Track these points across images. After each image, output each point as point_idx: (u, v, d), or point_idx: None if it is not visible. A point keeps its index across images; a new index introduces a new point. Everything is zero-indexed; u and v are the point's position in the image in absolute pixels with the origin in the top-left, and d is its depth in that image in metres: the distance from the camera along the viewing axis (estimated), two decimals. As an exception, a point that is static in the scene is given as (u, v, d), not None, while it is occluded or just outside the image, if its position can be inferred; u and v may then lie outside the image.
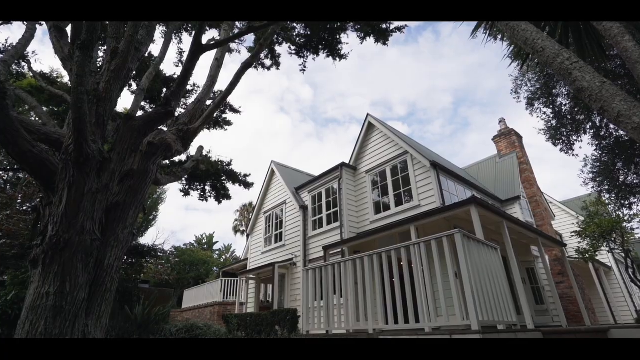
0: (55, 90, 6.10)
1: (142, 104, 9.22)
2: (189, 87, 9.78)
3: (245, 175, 10.85)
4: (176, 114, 6.55)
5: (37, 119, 6.35)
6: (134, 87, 8.89)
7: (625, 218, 8.59)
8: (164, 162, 8.95)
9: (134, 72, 8.11)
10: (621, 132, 6.94)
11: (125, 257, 9.96)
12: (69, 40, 4.64)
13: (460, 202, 6.33)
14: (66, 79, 9.73)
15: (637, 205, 7.42)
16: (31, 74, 7.18)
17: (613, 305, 12.22)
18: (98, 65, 5.56)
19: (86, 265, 2.92)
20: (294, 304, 10.79)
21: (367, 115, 11.11)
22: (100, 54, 6.75)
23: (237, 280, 14.68)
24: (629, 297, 13.31)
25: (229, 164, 10.68)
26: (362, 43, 7.27)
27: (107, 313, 3.16)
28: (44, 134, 3.64)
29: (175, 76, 9.17)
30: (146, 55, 8.39)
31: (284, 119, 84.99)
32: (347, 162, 11.22)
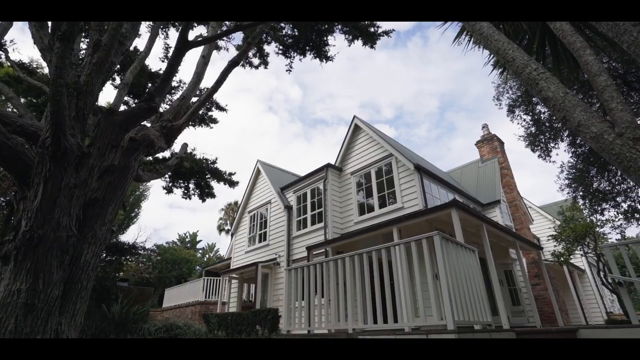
0: (34, 81, 5.93)
1: (126, 99, 9.05)
2: (174, 84, 9.65)
3: (230, 174, 10.78)
4: (160, 110, 6.48)
5: (13, 110, 6.15)
6: (118, 81, 8.72)
7: (598, 223, 8.93)
8: (147, 158, 8.81)
9: (118, 66, 7.95)
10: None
11: (104, 255, 9.74)
12: (49, 31, 4.53)
13: (442, 205, 6.46)
14: (46, 70, 9.45)
15: (609, 211, 7.74)
16: (9, 64, 6.95)
17: (585, 307, 12.68)
18: (80, 57, 5.44)
19: (61, 262, 2.86)
20: (276, 303, 10.77)
21: (354, 117, 11.19)
22: (83, 45, 6.60)
23: (219, 280, 14.54)
24: (600, 299, 13.83)
25: (214, 162, 10.59)
26: (349, 45, 7.35)
27: (82, 311, 3.10)
28: (20, 126, 3.54)
29: (161, 72, 9.04)
30: (131, 49, 8.24)
31: (272, 118, 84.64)
32: (333, 163, 11.28)
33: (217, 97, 10.77)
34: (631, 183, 6.93)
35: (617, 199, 7.27)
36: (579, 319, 12.13)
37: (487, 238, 6.72)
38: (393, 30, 7.40)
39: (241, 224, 14.46)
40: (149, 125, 5.21)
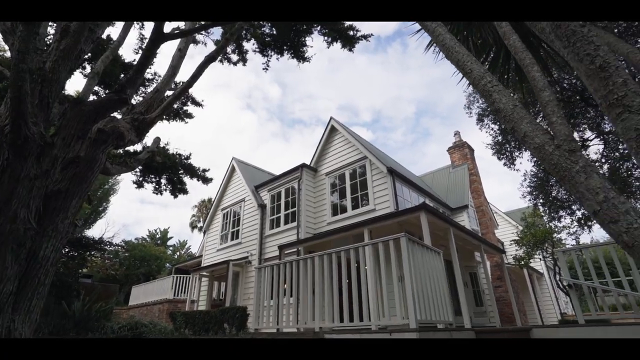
0: (-6, 65, 5.62)
1: (96, 89, 8.71)
2: (149, 76, 9.39)
3: (204, 170, 10.62)
4: (133, 102, 6.32)
5: (-30, 94, 5.79)
6: (88, 70, 8.39)
7: (556, 229, 9.48)
8: (117, 151, 8.52)
9: (89, 54, 7.64)
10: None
11: (67, 250, 9.32)
12: (13, 13, 4.31)
13: (411, 208, 6.65)
14: (9, 53, 8.92)
15: (565, 219, 8.24)
16: (-34, 45, 6.55)
17: (542, 308, 13.41)
18: (47, 42, 5.21)
19: (17, 256, 2.75)
20: (247, 302, 10.69)
21: (331, 118, 11.29)
22: (50, 30, 6.31)
23: (189, 278, 14.26)
24: (556, 301, 14.67)
25: (188, 158, 10.40)
26: (328, 47, 7.42)
27: (39, 308, 2.99)
28: (-24, 112, 3.36)
29: (135, 63, 8.77)
30: (103, 37, 7.95)
31: (250, 116, 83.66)
32: (308, 163, 11.33)
33: (194, 91, 10.56)
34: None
35: (573, 207, 7.75)
36: (536, 319, 12.80)
37: (453, 241, 6.98)
38: (371, 34, 7.53)
39: (214, 221, 14.24)
40: (119, 117, 5.08)
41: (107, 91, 9.03)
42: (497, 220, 17.11)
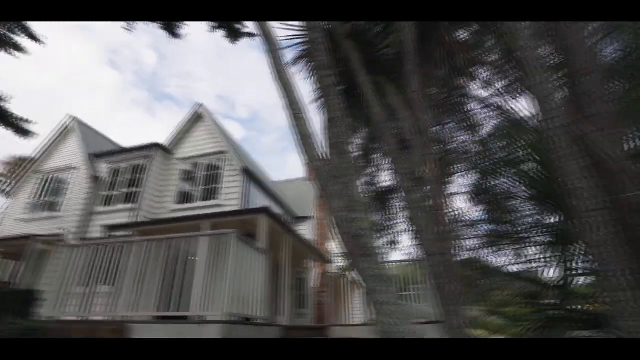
0: None
1: None
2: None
3: (25, 120, 8.73)
4: None
5: None
6: None
7: (374, 247, 11.42)
8: None
9: None
10: (382, 184, 9.13)
11: None
12: None
13: (253, 209, 7.01)
14: None
15: (381, 239, 10.09)
16: None
17: (354, 312, 15.76)
18: None
19: None
20: (54, 287, 9.03)
21: (200, 105, 10.87)
22: None
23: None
24: (364, 307, 17.57)
25: (3, 99, 8.39)
26: (212, 32, 7.28)
27: None
28: None
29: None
30: None
31: (112, 74, 71.52)
32: (165, 144, 10.54)
33: (39, 25, 8.50)
34: (395, 221, 9.20)
35: (387, 231, 9.58)
36: (347, 322, 14.95)
37: (287, 247, 7.63)
38: (257, 35, 7.75)
39: (27, 185, 11.60)
40: None
41: None
42: (335, 234, 19.37)
